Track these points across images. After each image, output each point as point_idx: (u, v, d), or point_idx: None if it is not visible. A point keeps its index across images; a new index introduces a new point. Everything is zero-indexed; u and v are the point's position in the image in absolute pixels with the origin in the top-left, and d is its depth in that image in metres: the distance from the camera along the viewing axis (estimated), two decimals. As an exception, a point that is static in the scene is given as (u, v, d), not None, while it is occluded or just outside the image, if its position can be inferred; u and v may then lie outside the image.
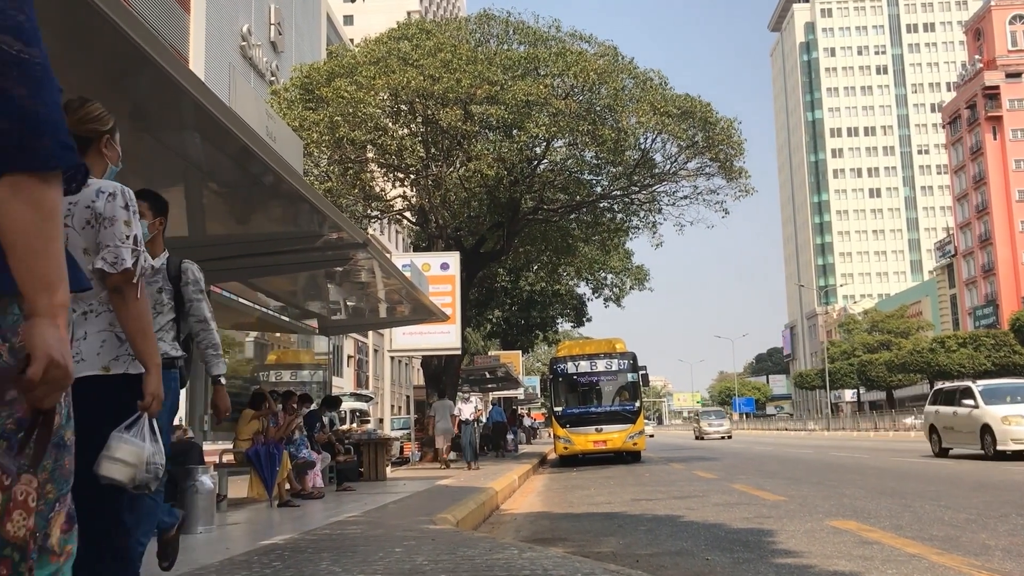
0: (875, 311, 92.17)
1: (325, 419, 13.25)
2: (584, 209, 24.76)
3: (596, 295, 35.65)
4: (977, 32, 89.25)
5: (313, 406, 12.74)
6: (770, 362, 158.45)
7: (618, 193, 24.34)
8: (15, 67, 1.44)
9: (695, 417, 59.36)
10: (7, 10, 1.48)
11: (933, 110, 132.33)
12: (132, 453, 2.70)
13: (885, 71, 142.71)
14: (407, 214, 25.70)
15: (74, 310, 2.79)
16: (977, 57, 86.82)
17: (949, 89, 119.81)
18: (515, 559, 5.14)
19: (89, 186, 2.81)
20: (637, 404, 22.05)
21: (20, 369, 1.39)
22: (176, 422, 5.22)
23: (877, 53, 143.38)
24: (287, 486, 10.13)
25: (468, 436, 19.24)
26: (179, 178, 6.42)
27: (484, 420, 28.88)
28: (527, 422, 47.33)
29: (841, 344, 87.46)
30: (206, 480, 7.07)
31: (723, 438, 49.55)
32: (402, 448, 23.17)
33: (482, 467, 18.65)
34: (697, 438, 51.63)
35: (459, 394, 20.24)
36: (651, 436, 59.18)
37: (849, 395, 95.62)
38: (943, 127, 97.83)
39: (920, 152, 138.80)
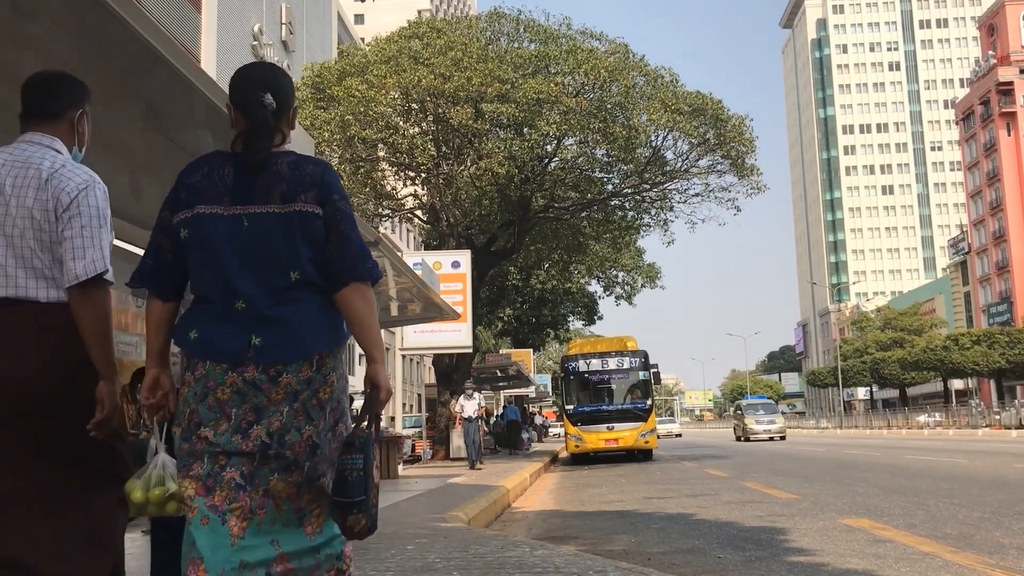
0: (888, 308, 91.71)
1: None
2: (595, 207, 24.73)
3: (607, 293, 35.62)
4: (991, 27, 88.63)
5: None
6: (782, 360, 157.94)
7: (629, 191, 24.30)
8: (348, 218, 2.46)
9: (737, 412, 42.83)
10: (335, 181, 2.52)
11: (946, 106, 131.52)
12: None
13: (898, 67, 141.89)
14: (418, 212, 25.73)
15: None
16: (991, 53, 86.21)
17: (962, 85, 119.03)
18: (527, 556, 5.15)
19: None
20: (648, 402, 22.01)
21: (370, 395, 2.44)
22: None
23: (889, 49, 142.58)
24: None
25: (471, 434, 18.46)
26: (191, 177, 6.45)
27: (496, 417, 28.77)
28: (538, 420, 47.32)
29: (854, 342, 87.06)
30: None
31: (773, 439, 37.54)
32: (413, 446, 23.23)
33: (488, 466, 18.63)
34: (740, 439, 39.63)
35: (463, 390, 19.27)
36: (678, 436, 56.79)
37: (862, 393, 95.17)
38: (956, 123, 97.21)
39: (933, 149, 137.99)
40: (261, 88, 2.47)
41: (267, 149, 2.42)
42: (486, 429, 24.56)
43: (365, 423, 2.45)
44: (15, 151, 2.66)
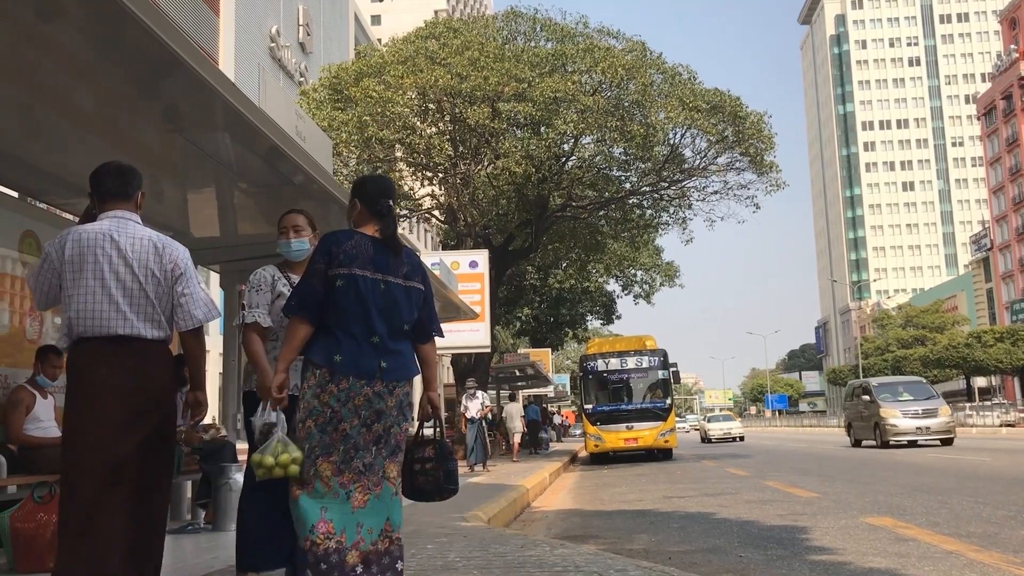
0: (909, 306, 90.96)
1: None
2: (613, 206, 24.68)
3: (626, 292, 35.55)
4: (1012, 21, 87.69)
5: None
6: (803, 358, 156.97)
7: (647, 189, 24.23)
8: (432, 296, 3.75)
9: (860, 398, 23.37)
10: (419, 265, 3.72)
11: (967, 101, 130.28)
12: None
13: (918, 63, 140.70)
14: (436, 212, 25.77)
15: None
16: (1013, 47, 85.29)
17: (984, 80, 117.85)
18: (547, 556, 5.14)
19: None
20: (668, 401, 21.94)
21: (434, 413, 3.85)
22: (209, 420, 5.33)
23: (909, 44, 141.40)
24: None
25: (474, 435, 17.49)
26: (210, 178, 6.48)
27: (523, 417, 28.54)
28: (557, 420, 47.27)
29: (875, 339, 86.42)
30: (239, 478, 7.13)
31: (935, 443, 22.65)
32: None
33: (506, 465, 18.63)
34: (861, 444, 23.68)
35: (466, 389, 18.62)
36: (738, 439, 40.27)
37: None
38: (978, 119, 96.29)
39: (954, 144, 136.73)
40: (384, 195, 3.64)
41: (398, 240, 3.66)
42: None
43: (436, 430, 3.92)
44: (118, 223, 3.56)
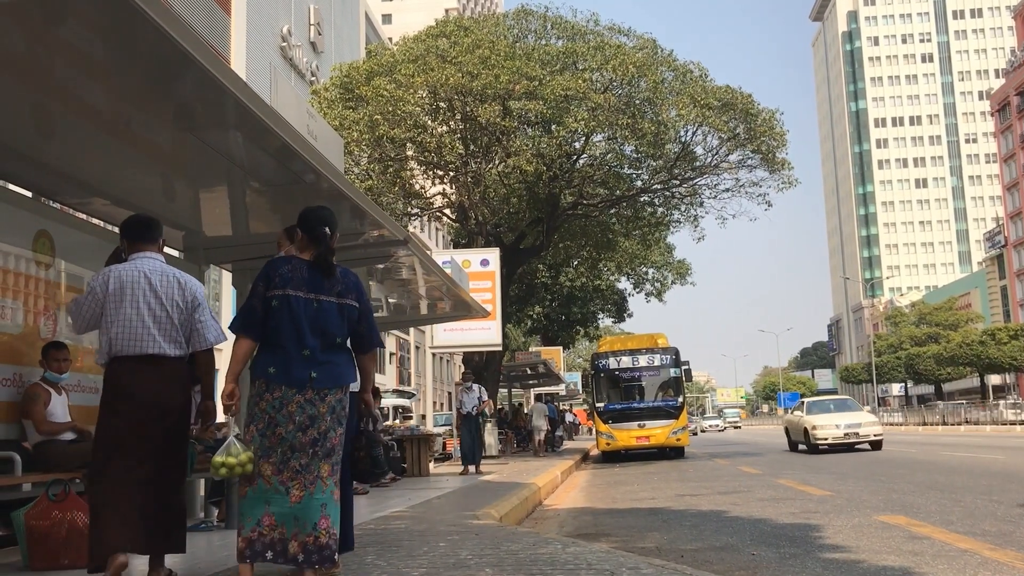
0: (923, 303, 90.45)
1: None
2: (624, 203, 24.64)
3: (637, 290, 35.48)
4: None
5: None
6: (815, 356, 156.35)
7: (658, 187, 24.18)
8: (371, 310, 4.28)
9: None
10: (363, 285, 4.28)
11: (981, 98, 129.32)
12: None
13: (931, 59, 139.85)
14: (447, 211, 25.78)
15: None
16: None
17: (998, 76, 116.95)
18: (559, 553, 5.14)
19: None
20: (680, 399, 21.90)
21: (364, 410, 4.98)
22: (220, 419, 5.38)
23: (922, 41, 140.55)
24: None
25: (470, 433, 15.98)
26: (222, 177, 6.50)
27: (547, 416, 28.63)
28: (569, 418, 47.25)
29: (888, 337, 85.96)
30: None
31: None
32: (444, 444, 23.27)
33: (518, 464, 18.61)
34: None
35: (463, 383, 17.25)
36: (874, 446, 21.71)
37: (897, 389, 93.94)
38: (992, 115, 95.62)
39: (968, 141, 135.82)
40: (322, 224, 4.12)
41: (332, 264, 4.11)
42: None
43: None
44: (149, 263, 4.37)
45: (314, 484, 3.91)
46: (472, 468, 15.51)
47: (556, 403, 44.99)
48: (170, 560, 4.61)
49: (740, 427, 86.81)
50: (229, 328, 4.13)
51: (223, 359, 4.43)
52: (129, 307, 4.21)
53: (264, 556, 3.86)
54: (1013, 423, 40.63)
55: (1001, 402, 50.13)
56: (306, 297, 3.98)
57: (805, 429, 21.75)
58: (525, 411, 28.10)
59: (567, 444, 34.05)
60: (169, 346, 4.27)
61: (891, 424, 57.75)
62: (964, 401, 58.40)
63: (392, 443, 14.37)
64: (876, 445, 21.46)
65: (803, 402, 24.75)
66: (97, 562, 4.03)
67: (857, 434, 21.18)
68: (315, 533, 3.88)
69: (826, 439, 21.06)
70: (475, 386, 16.56)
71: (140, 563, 4.64)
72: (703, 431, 66.23)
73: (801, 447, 22.67)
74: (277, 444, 3.91)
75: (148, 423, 4.18)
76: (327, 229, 4.08)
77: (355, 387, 4.42)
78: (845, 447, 21.47)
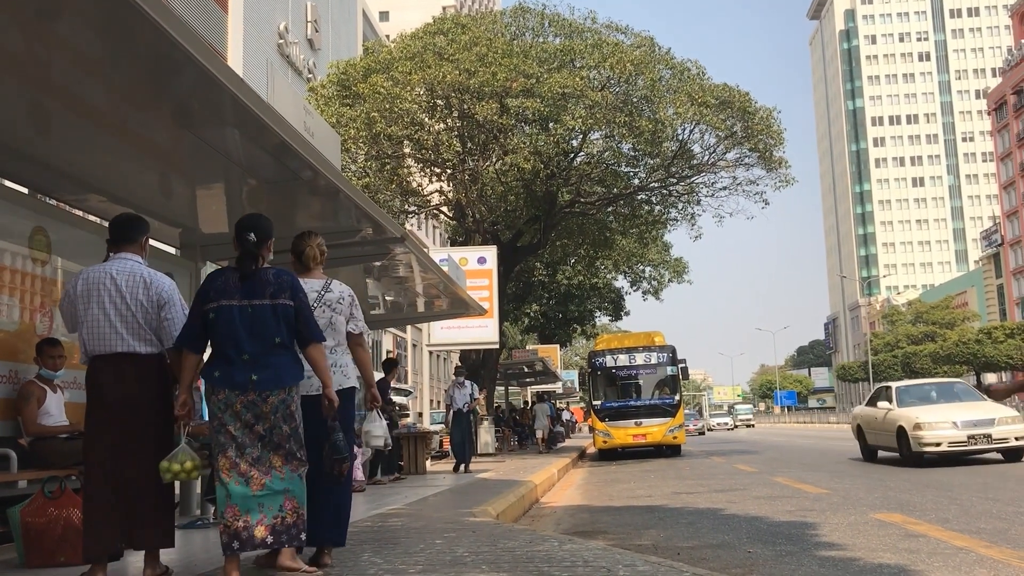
0: (919, 302, 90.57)
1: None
2: (621, 201, 24.65)
3: (634, 288, 35.51)
4: (1023, 16, 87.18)
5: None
6: (812, 355, 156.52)
7: (656, 185, 24.19)
8: (308, 307, 4.42)
9: None
10: (299, 285, 4.42)
11: (978, 96, 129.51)
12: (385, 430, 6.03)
13: (928, 58, 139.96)
14: (444, 209, 25.77)
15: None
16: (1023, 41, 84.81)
17: (994, 75, 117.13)
18: (555, 551, 5.14)
19: (332, 290, 4.92)
20: (677, 397, 21.90)
21: (328, 405, 4.44)
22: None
23: (919, 39, 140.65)
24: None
25: (463, 431, 15.31)
26: (219, 175, 6.49)
27: (549, 415, 28.94)
28: (565, 416, 47.28)
29: (884, 336, 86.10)
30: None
31: None
32: (441, 442, 23.26)
33: (515, 462, 18.60)
34: None
35: (453, 379, 16.45)
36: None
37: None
38: (988, 113, 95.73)
39: (965, 140, 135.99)
40: (247, 230, 4.26)
41: (252, 268, 4.24)
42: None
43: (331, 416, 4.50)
44: (119, 263, 4.46)
45: (269, 473, 4.17)
46: (463, 467, 14.95)
47: (553, 401, 45.06)
48: (166, 557, 4.63)
49: (754, 425, 79.69)
50: (172, 347, 4.37)
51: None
52: (96, 308, 4.36)
53: (232, 548, 4.08)
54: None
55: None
56: (239, 304, 4.20)
57: (901, 428, 13.93)
58: (531, 410, 29.20)
59: (565, 442, 34.07)
60: (139, 344, 4.39)
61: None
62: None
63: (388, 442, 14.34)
64: (1016, 454, 13.80)
65: (889, 387, 15.70)
66: (87, 555, 4.25)
67: (988, 436, 13.44)
68: (281, 514, 4.14)
69: (937, 444, 13.35)
70: (467, 382, 15.94)
71: (136, 559, 4.69)
72: (710, 429, 61.82)
73: (884, 454, 15.33)
74: (230, 440, 4.17)
75: (119, 419, 4.31)
76: (252, 235, 4.24)
77: (318, 388, 4.54)
78: (967, 457, 13.82)
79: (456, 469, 15.05)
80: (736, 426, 74.96)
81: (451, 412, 15.69)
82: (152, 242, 7.74)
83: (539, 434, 25.95)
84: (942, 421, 13.65)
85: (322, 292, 4.85)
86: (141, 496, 4.30)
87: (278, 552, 4.33)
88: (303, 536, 4.25)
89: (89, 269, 4.49)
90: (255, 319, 4.19)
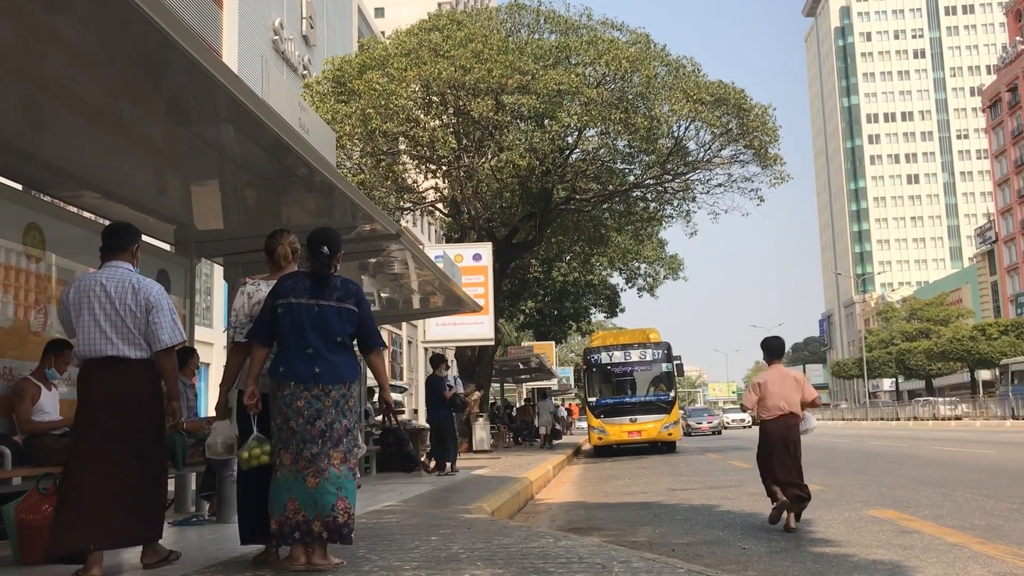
0: (914, 299, 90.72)
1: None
2: (617, 198, 24.63)
3: (629, 285, 35.47)
4: (1018, 13, 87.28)
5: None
6: (807, 351, 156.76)
7: (651, 182, 24.17)
8: (371, 315, 4.74)
9: None
10: (363, 294, 4.77)
11: (973, 94, 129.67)
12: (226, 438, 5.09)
13: (923, 55, 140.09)
14: (439, 205, 25.73)
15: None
16: (1018, 39, 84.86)
17: (989, 72, 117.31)
18: (550, 547, 5.15)
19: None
20: (672, 394, 21.94)
21: (384, 407, 4.98)
22: (211, 413, 5.50)
23: (914, 37, 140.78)
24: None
25: (446, 428, 13.57)
26: (214, 171, 6.48)
27: (552, 413, 29.19)
28: (561, 412, 47.33)
29: (879, 332, 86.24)
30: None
31: None
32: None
33: (511, 458, 18.61)
34: None
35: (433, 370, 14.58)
36: None
37: (888, 384, 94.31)
38: (983, 111, 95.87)
39: (959, 137, 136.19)
40: (321, 244, 4.61)
41: (327, 276, 4.61)
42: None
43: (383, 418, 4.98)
44: (109, 271, 4.61)
45: (327, 471, 4.38)
46: (448, 465, 13.37)
47: (550, 398, 45.05)
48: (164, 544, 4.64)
49: None
50: (247, 337, 4.62)
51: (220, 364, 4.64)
52: (87, 314, 4.52)
53: (292, 537, 4.33)
54: (1003, 418, 40.84)
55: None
56: (307, 303, 4.51)
57: None
58: (534, 406, 29.92)
59: (562, 439, 34.10)
60: (129, 348, 4.53)
61: (881, 419, 57.98)
62: (956, 397, 58.62)
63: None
64: None
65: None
66: (53, 552, 4.31)
67: None
68: (333, 514, 4.35)
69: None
70: (450, 374, 14.96)
71: (130, 555, 4.76)
72: (725, 427, 50.97)
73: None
74: (291, 437, 4.40)
75: (105, 420, 4.44)
76: (325, 248, 4.60)
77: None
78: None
79: (427, 470, 13.48)
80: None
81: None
82: (147, 238, 7.75)
83: (543, 431, 26.61)
84: None
85: None
86: (128, 492, 4.40)
87: (274, 552, 4.62)
88: (352, 536, 4.45)
89: (81, 277, 4.69)
90: (320, 317, 4.50)
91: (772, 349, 7.42)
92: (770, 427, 6.94)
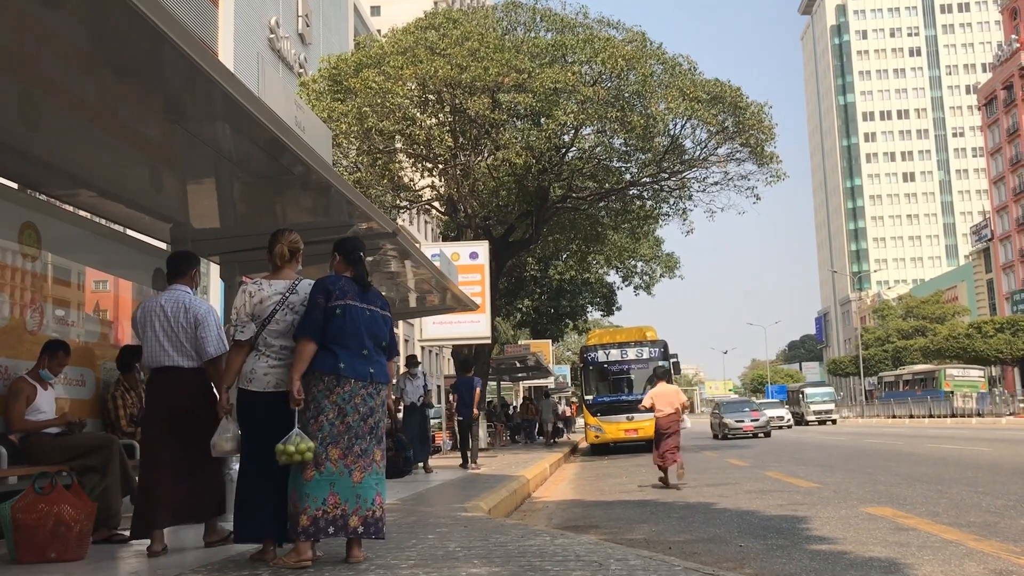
0: (910, 297, 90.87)
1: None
2: (613, 197, 24.63)
3: (626, 283, 35.48)
4: (1014, 11, 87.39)
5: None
6: (803, 349, 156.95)
7: (647, 180, 24.17)
8: (391, 329, 5.08)
9: None
10: (385, 300, 5.09)
11: (968, 92, 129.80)
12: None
13: (918, 53, 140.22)
14: (436, 204, 25.72)
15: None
16: (1014, 37, 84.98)
17: (985, 70, 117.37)
18: (547, 545, 5.15)
19: (297, 292, 4.94)
20: (668, 392, 21.92)
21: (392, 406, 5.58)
22: None
23: (910, 35, 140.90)
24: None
25: (416, 428, 13.67)
26: (210, 170, 6.46)
27: (554, 411, 29.44)
28: (560, 409, 47.40)
29: (875, 330, 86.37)
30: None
31: None
32: (433, 437, 23.26)
33: (507, 456, 18.61)
34: None
35: (405, 369, 14.87)
36: None
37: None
38: (979, 109, 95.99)
39: (955, 135, 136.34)
40: (359, 250, 4.92)
41: (368, 280, 4.90)
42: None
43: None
44: (168, 294, 5.43)
45: (371, 467, 4.63)
46: (420, 467, 13.43)
47: (551, 397, 45.07)
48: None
49: (836, 420, 52.30)
50: (295, 335, 4.70)
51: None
52: (149, 331, 5.32)
53: (327, 532, 4.46)
54: (998, 416, 40.93)
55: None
56: (360, 306, 4.77)
57: None
58: (538, 405, 30.85)
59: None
60: (183, 359, 5.29)
61: (878, 416, 58.05)
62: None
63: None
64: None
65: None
66: (134, 535, 5.21)
67: None
68: (372, 508, 4.56)
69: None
70: (420, 372, 14.54)
71: (193, 533, 5.58)
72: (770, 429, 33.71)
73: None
74: (344, 432, 4.57)
75: (167, 422, 5.21)
76: (361, 253, 4.91)
77: (275, 386, 4.95)
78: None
79: (408, 470, 12.53)
80: (805, 421, 50.69)
81: (398, 406, 13.65)
82: (143, 237, 7.77)
83: (548, 427, 27.72)
84: None
85: (286, 295, 4.84)
86: (199, 482, 5.22)
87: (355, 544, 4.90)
88: (385, 530, 4.66)
89: (147, 300, 5.59)
90: (372, 321, 4.80)
91: (661, 375, 12.49)
92: (661, 421, 11.15)
